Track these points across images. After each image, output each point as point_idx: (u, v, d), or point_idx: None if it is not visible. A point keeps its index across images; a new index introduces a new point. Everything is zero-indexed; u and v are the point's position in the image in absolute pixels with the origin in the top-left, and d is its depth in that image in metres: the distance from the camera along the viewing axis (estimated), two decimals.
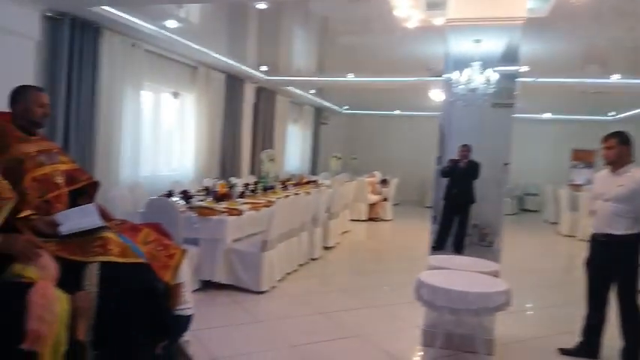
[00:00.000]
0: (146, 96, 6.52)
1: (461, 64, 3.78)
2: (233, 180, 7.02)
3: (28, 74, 4.56)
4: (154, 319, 2.31)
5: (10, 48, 4.35)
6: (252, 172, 9.70)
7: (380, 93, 11.01)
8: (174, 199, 4.89)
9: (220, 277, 4.57)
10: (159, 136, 6.98)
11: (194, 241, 4.49)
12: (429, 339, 3.46)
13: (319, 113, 13.99)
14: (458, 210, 3.98)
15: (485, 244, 3.83)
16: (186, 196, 4.99)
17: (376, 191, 9.66)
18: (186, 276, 3.33)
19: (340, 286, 5.09)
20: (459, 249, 3.93)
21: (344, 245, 7.12)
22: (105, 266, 2.23)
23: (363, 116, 14.65)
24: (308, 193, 6.58)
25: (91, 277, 2.17)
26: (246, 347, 3.42)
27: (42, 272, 2.03)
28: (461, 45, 3.81)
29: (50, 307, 1.84)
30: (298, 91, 10.76)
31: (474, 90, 3.79)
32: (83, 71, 5.23)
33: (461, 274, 3.19)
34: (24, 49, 4.56)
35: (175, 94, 7.16)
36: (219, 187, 5.67)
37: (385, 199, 9.81)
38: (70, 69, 5.06)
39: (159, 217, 4.10)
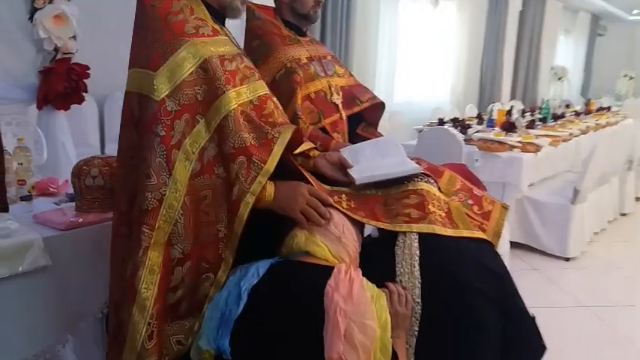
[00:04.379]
0: (403, 6, 5.51)
1: None
2: (498, 107, 5.67)
3: None
4: (509, 330, 1.31)
5: None
6: (513, 96, 8.08)
7: None
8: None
9: (510, 234, 3.46)
10: (415, 55, 5.95)
11: None
12: None
13: (596, 22, 11.09)
14: None
15: None
16: (461, 125, 3.91)
17: None
18: (505, 246, 2.35)
19: None
20: None
21: None
22: (426, 240, 1.30)
23: None
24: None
25: (410, 258, 1.28)
26: (579, 341, 2.37)
27: (337, 247, 1.19)
28: None
29: (363, 318, 1.00)
30: None
31: None
32: None
33: None
34: None
35: (435, 3, 5.97)
36: (498, 113, 4.43)
37: None
38: None
39: (434, 152, 3.21)
